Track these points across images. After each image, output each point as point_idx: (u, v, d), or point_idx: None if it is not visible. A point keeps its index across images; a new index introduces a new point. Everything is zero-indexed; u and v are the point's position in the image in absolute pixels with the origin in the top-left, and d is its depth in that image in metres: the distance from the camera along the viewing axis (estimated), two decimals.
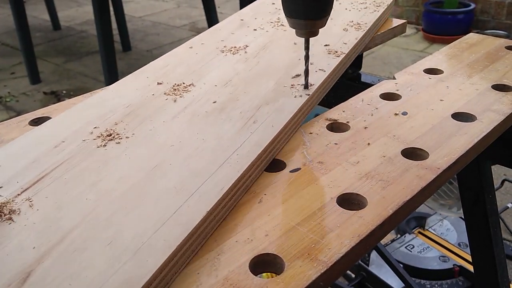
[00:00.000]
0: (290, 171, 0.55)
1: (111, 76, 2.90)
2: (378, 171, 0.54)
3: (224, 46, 0.81)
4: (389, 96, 0.71)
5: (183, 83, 0.68)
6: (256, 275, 0.41)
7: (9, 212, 0.44)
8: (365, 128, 0.63)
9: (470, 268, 1.55)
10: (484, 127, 0.62)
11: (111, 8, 3.21)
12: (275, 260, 0.43)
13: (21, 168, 0.50)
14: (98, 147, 0.54)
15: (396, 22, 0.96)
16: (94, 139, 0.55)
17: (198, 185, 0.47)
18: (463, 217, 1.32)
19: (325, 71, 0.71)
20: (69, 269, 0.38)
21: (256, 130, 0.57)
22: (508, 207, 1.91)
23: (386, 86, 0.74)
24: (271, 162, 0.57)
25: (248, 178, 0.51)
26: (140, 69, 0.74)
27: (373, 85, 0.75)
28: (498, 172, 2.12)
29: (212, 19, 3.41)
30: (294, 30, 0.64)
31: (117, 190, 0.47)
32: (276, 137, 0.56)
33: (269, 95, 0.65)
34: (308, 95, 0.65)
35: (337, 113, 0.67)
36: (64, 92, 3.24)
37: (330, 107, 0.70)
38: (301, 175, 0.54)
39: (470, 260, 1.47)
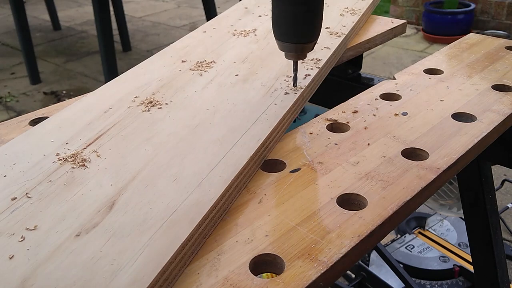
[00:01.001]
0: (290, 172, 0.55)
1: (111, 76, 2.90)
2: (378, 171, 0.54)
3: (235, 30, 0.88)
4: (389, 97, 0.71)
5: (205, 61, 0.76)
6: (256, 275, 0.41)
7: (81, 160, 0.52)
8: (365, 128, 0.63)
9: (470, 268, 1.55)
10: (484, 128, 0.62)
11: (111, 8, 3.22)
12: (275, 260, 0.43)
13: (79, 129, 0.58)
14: (143, 111, 0.62)
15: (396, 22, 0.96)
16: (138, 105, 0.63)
17: (238, 138, 0.56)
18: (463, 217, 1.32)
19: (329, 48, 0.78)
20: (146, 198, 0.46)
21: (278, 96, 0.65)
22: (508, 207, 1.91)
23: (386, 87, 0.74)
24: (271, 163, 0.57)
25: (277, 133, 0.60)
26: (161, 51, 0.81)
27: (373, 85, 0.75)
28: (498, 172, 2.12)
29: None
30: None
31: (169, 142, 0.55)
32: (297, 101, 0.65)
33: (284, 69, 0.72)
34: (318, 68, 0.72)
35: (337, 113, 0.67)
36: (64, 92, 3.24)
37: (330, 108, 0.70)
38: (301, 175, 0.54)
39: (470, 260, 1.47)
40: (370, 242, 0.46)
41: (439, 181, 0.54)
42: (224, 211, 0.48)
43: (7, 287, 0.37)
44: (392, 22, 0.96)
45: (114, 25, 3.22)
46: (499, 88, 0.72)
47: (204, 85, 0.68)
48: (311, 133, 0.63)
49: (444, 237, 1.73)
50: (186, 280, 0.41)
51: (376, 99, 0.71)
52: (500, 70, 0.78)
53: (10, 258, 0.39)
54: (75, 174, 0.50)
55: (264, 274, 0.43)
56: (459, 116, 0.65)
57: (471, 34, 0.95)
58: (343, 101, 0.71)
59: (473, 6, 3.82)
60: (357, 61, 0.91)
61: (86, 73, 3.54)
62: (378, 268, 1.58)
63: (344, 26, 0.86)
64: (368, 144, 0.60)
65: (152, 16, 4.88)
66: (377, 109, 0.68)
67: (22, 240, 0.41)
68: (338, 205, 0.49)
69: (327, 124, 0.65)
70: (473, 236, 0.95)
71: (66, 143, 0.55)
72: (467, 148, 0.58)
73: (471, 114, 0.65)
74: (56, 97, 3.17)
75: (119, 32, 3.84)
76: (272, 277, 0.41)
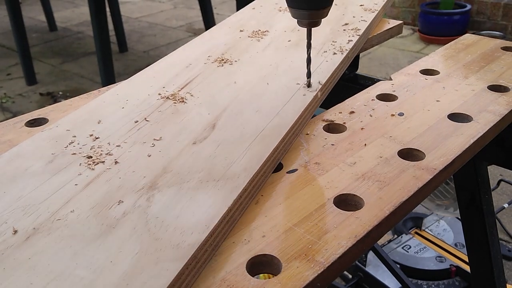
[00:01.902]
0: (287, 172, 0.55)
1: (108, 77, 2.90)
2: (374, 171, 0.54)
3: (280, 7, 0.99)
4: (385, 97, 0.72)
5: (260, 30, 0.88)
6: (253, 276, 0.41)
7: (180, 98, 0.65)
8: (362, 129, 0.63)
9: (467, 268, 1.55)
10: (480, 128, 0.62)
11: (108, 9, 3.21)
12: (272, 261, 0.43)
13: (170, 78, 0.71)
14: (218, 66, 0.75)
15: (393, 23, 0.97)
16: (212, 62, 0.76)
17: (301, 85, 0.68)
18: (459, 217, 1.33)
19: (366, 21, 0.89)
20: (238, 122, 0.59)
21: (328, 56, 0.77)
22: (504, 208, 1.92)
23: (382, 87, 0.75)
24: None
25: (330, 83, 0.72)
26: (219, 23, 0.93)
27: (369, 86, 0.76)
28: (494, 172, 2.13)
29: (208, 20, 3.41)
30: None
31: (246, 87, 0.68)
32: (343, 60, 0.77)
33: (328, 36, 0.84)
34: (359, 35, 0.83)
35: (334, 114, 0.67)
36: (60, 93, 3.24)
37: (327, 108, 0.70)
38: (298, 176, 0.54)
39: (467, 260, 1.47)
40: (367, 242, 0.46)
41: (435, 182, 0.54)
42: (295, 135, 0.61)
43: (153, 173, 0.50)
44: (389, 23, 0.96)
45: (110, 26, 3.22)
46: (495, 88, 0.72)
47: (263, 48, 0.81)
48: (307, 134, 0.63)
49: (441, 237, 1.73)
50: None
51: (372, 99, 0.71)
52: (496, 71, 0.78)
53: (149, 156, 0.53)
54: (177, 107, 0.63)
55: (261, 275, 0.43)
56: (455, 117, 0.65)
57: (467, 34, 0.95)
58: (340, 102, 0.71)
59: (469, 7, 3.83)
60: (353, 61, 0.92)
61: (82, 74, 3.54)
62: (375, 268, 1.58)
63: (376, 4, 0.97)
64: (365, 144, 0.60)
65: (148, 17, 4.88)
66: (373, 109, 0.68)
67: (153, 146, 0.55)
68: (335, 206, 0.49)
69: (323, 124, 0.65)
70: (469, 236, 0.95)
71: (163, 87, 0.68)
72: (463, 148, 0.58)
73: (467, 115, 0.65)
74: (52, 98, 3.17)
75: (116, 33, 3.84)
76: (269, 278, 0.41)
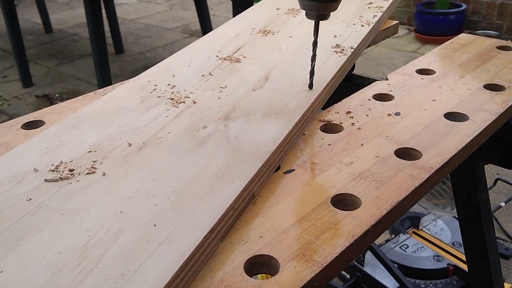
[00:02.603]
0: (284, 172, 0.55)
1: (104, 79, 2.89)
2: (371, 171, 0.54)
3: None
4: (382, 97, 0.72)
5: (294, 8, 0.99)
6: (251, 277, 0.41)
7: (235, 59, 0.78)
8: (359, 128, 0.63)
9: (464, 267, 1.56)
10: (477, 127, 0.62)
11: (104, 11, 3.21)
12: (270, 261, 0.43)
13: (223, 45, 0.83)
14: (262, 36, 0.86)
15: (388, 23, 0.97)
16: (257, 33, 0.87)
17: (334, 50, 0.80)
18: (456, 216, 1.33)
19: (388, 0, 0.98)
20: (287, 75, 0.72)
21: (356, 27, 0.88)
22: (501, 206, 1.92)
23: (379, 87, 0.75)
24: None
25: (360, 48, 0.84)
26: (257, 3, 1.05)
27: (366, 86, 0.76)
28: (491, 171, 2.13)
29: (205, 21, 3.41)
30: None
31: (289, 51, 0.80)
32: (370, 32, 0.87)
33: (355, 12, 0.94)
34: (382, 12, 0.93)
35: (331, 114, 0.68)
36: (56, 95, 3.23)
37: (324, 108, 0.70)
38: (295, 176, 0.55)
39: (464, 259, 1.48)
40: (365, 242, 0.46)
41: (432, 181, 0.54)
42: (333, 87, 0.73)
43: (225, 109, 0.63)
44: (384, 23, 0.96)
45: (106, 27, 3.21)
46: (491, 87, 0.73)
47: (299, 22, 0.92)
48: (304, 134, 0.63)
49: (438, 236, 1.73)
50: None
51: (369, 99, 0.71)
52: (491, 70, 0.79)
53: (219, 99, 0.66)
54: (234, 65, 0.76)
55: (259, 275, 0.43)
56: (451, 116, 0.65)
57: (462, 34, 0.95)
58: (336, 102, 0.71)
59: (464, 6, 3.84)
60: None
61: (78, 76, 3.53)
62: (373, 268, 1.58)
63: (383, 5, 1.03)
64: (362, 144, 0.60)
65: (144, 18, 4.87)
66: (370, 109, 0.68)
67: (220, 92, 0.68)
68: (332, 206, 0.49)
69: (320, 125, 0.65)
70: (466, 235, 0.95)
71: (219, 51, 0.81)
72: (460, 147, 0.58)
73: (464, 114, 0.65)
74: (49, 100, 3.16)
75: (112, 35, 3.83)
76: (267, 278, 0.41)
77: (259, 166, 0.51)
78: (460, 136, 0.60)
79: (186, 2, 5.22)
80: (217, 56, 0.79)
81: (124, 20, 4.72)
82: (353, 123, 0.65)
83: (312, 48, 0.66)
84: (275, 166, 0.55)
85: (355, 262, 1.59)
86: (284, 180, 0.54)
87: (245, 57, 0.78)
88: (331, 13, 0.63)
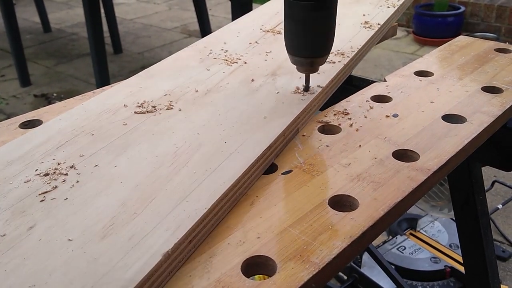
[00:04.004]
0: (282, 173, 0.55)
1: (102, 78, 2.89)
2: (369, 172, 0.54)
3: None
4: (380, 99, 0.72)
5: None
6: (248, 277, 0.41)
7: (277, 31, 0.90)
8: (357, 130, 0.63)
9: (461, 269, 1.56)
10: (474, 129, 0.62)
11: (102, 10, 3.20)
12: (267, 262, 0.43)
13: (264, 21, 0.95)
14: (274, 35, 0.91)
15: None
16: (268, 31, 0.92)
17: (362, 25, 0.90)
18: (454, 218, 1.33)
19: (389, 6, 1.00)
20: None
21: (383, 8, 0.97)
22: (498, 208, 1.92)
23: (377, 89, 0.75)
24: None
25: (385, 26, 0.93)
26: None
27: (364, 87, 0.76)
28: (488, 173, 2.13)
29: (203, 21, 3.41)
30: None
31: None
32: (395, 12, 0.96)
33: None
34: (398, 5, 0.99)
35: (329, 115, 0.68)
36: (54, 94, 3.22)
37: (322, 110, 0.70)
38: (293, 177, 0.55)
39: (461, 261, 1.47)
40: (362, 243, 0.46)
41: (430, 182, 0.54)
42: (359, 59, 0.83)
43: (272, 68, 0.76)
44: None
45: (105, 27, 3.21)
46: (489, 90, 0.73)
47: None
48: (303, 135, 0.63)
49: (435, 238, 1.73)
50: (178, 283, 0.41)
51: (367, 101, 0.71)
52: (489, 72, 0.79)
53: (265, 60, 0.79)
54: (276, 36, 0.88)
55: (256, 276, 0.43)
56: (449, 118, 0.65)
57: (461, 36, 0.95)
58: (335, 103, 0.71)
59: (462, 9, 3.85)
60: None
61: (77, 76, 3.52)
62: (370, 269, 1.58)
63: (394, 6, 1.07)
64: (360, 145, 0.60)
65: (143, 18, 4.87)
66: (368, 111, 0.68)
67: (266, 55, 0.81)
68: (330, 207, 0.49)
69: (318, 126, 0.65)
70: (464, 237, 0.95)
71: (262, 25, 0.93)
72: (458, 149, 0.58)
73: (461, 116, 0.65)
74: (47, 99, 3.15)
75: (110, 35, 3.83)
76: (264, 279, 0.41)
77: (303, 107, 0.64)
78: (458, 138, 0.60)
79: (185, 3, 5.22)
80: (260, 29, 0.92)
81: (123, 20, 4.71)
82: (351, 125, 0.65)
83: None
84: (316, 110, 0.68)
85: (352, 264, 1.59)
86: (282, 181, 0.54)
87: (279, 33, 0.90)
88: None
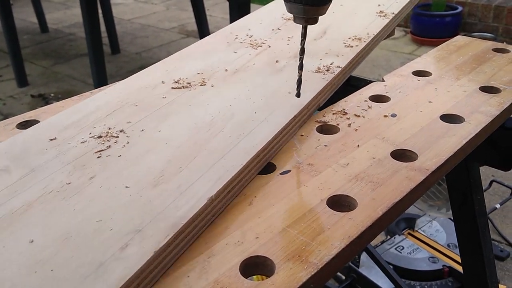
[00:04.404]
0: (280, 173, 0.55)
1: (100, 79, 2.89)
2: (367, 172, 0.54)
3: None
4: (378, 98, 0.72)
5: None
6: (246, 278, 0.41)
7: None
8: (355, 130, 0.63)
9: (460, 268, 1.56)
10: (472, 129, 0.62)
11: (100, 11, 3.20)
12: (266, 263, 0.43)
13: (286, 11, 0.86)
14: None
15: None
16: (289, 19, 0.96)
17: (377, 13, 0.97)
18: (452, 218, 1.33)
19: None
20: (340, 30, 0.90)
21: (388, 12, 0.98)
22: (496, 208, 1.93)
23: (375, 88, 0.75)
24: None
25: (399, 16, 0.99)
26: None
27: (362, 87, 0.76)
28: (486, 173, 2.14)
29: (201, 21, 3.41)
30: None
31: (340, 14, 0.97)
32: (405, 6, 1.01)
33: None
34: (393, 14, 0.98)
35: (327, 115, 0.68)
36: (52, 95, 3.22)
37: (320, 110, 0.70)
38: (291, 177, 0.54)
39: (459, 260, 1.48)
40: (360, 243, 0.46)
41: (428, 182, 0.54)
42: (377, 43, 0.91)
43: (294, 51, 0.82)
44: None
45: (102, 27, 3.20)
46: (487, 89, 0.73)
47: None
48: (301, 135, 0.63)
49: (434, 238, 1.74)
50: (176, 283, 0.41)
51: (365, 100, 0.71)
52: (487, 72, 0.79)
53: (288, 45, 0.86)
54: (296, 24, 0.82)
55: (254, 277, 0.43)
56: (447, 118, 0.65)
57: (458, 36, 0.95)
58: (333, 103, 0.71)
59: (460, 9, 3.85)
60: None
61: (74, 76, 3.52)
62: (368, 269, 1.59)
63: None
64: (358, 145, 0.60)
65: (141, 18, 4.87)
66: (366, 110, 0.68)
67: (289, 40, 0.87)
68: (328, 207, 0.49)
69: (317, 126, 0.65)
70: (462, 236, 0.95)
71: (283, 14, 0.98)
72: (456, 149, 0.58)
73: (459, 116, 0.65)
74: (44, 100, 3.15)
75: (108, 35, 3.82)
76: (263, 280, 0.41)
77: (325, 84, 0.71)
78: (456, 138, 0.60)
79: (183, 3, 5.22)
80: (282, 17, 0.97)
81: (121, 20, 4.71)
82: (350, 124, 0.65)
83: (299, 56, 0.65)
84: (336, 87, 0.75)
85: (350, 264, 1.59)
86: (280, 181, 0.54)
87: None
88: None
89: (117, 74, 3.41)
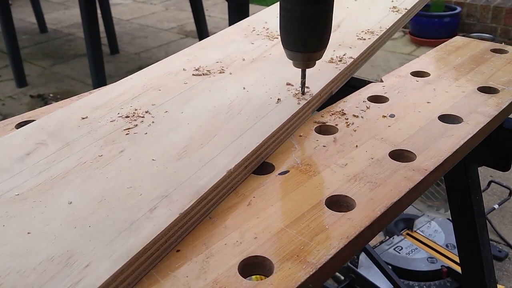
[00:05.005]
0: (279, 174, 0.55)
1: (99, 79, 2.88)
2: (366, 173, 0.54)
3: None
4: (377, 99, 0.72)
5: None
6: (245, 278, 0.41)
7: None
8: (354, 130, 0.63)
9: (458, 269, 1.56)
10: (471, 129, 0.62)
11: (99, 11, 3.20)
12: (264, 263, 0.43)
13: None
14: None
15: None
16: None
17: (389, 7, 1.02)
18: (450, 218, 1.33)
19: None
20: (354, 23, 0.95)
21: (401, 7, 1.02)
22: (494, 209, 1.93)
23: (374, 89, 0.75)
24: (260, 165, 0.57)
25: (410, 13, 1.02)
26: None
27: (361, 87, 0.76)
28: (485, 173, 2.14)
29: (200, 22, 3.41)
30: None
31: (354, 10, 1.02)
32: (418, 3, 1.05)
33: None
34: (406, 9, 1.01)
35: (326, 115, 0.68)
36: (51, 95, 3.22)
37: (319, 110, 0.70)
38: (289, 177, 0.55)
39: (458, 261, 1.48)
40: (359, 243, 0.46)
41: (426, 182, 0.54)
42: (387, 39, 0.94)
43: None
44: None
45: (101, 27, 3.20)
46: (485, 90, 0.73)
47: None
48: (300, 136, 0.63)
49: (432, 238, 1.74)
50: (175, 284, 0.41)
51: (364, 101, 0.71)
52: (485, 73, 0.79)
53: None
54: None
55: (253, 277, 0.43)
56: (445, 118, 0.65)
57: (457, 37, 0.95)
58: (331, 104, 0.71)
59: (459, 9, 3.86)
60: None
61: (73, 76, 3.52)
62: (367, 269, 1.59)
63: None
64: (356, 146, 0.60)
65: (140, 18, 4.86)
66: (365, 111, 0.68)
67: None
68: (327, 207, 0.49)
69: (315, 126, 0.65)
70: (460, 237, 0.95)
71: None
72: (454, 149, 0.58)
73: (458, 116, 0.66)
74: (43, 100, 3.14)
75: (107, 35, 3.82)
76: (261, 280, 0.41)
77: (337, 73, 0.75)
78: (454, 138, 0.60)
79: (182, 3, 5.22)
80: None
81: (120, 21, 4.71)
82: (348, 125, 0.65)
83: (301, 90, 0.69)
84: (348, 77, 0.79)
85: (349, 264, 1.59)
86: (279, 181, 0.54)
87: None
88: None
89: (116, 74, 3.41)
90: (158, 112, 0.65)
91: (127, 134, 0.61)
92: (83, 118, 0.64)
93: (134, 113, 0.65)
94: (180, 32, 4.43)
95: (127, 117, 0.64)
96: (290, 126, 0.64)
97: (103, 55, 2.95)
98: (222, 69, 0.77)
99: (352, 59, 0.79)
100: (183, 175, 0.52)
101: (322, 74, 0.74)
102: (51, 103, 0.73)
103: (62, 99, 0.74)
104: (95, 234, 0.44)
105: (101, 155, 0.56)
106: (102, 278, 0.39)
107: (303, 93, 0.68)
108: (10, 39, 3.24)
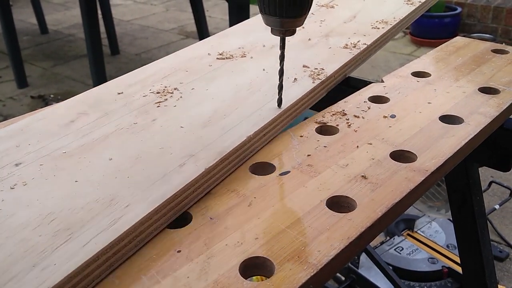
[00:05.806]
0: (280, 174, 0.55)
1: (99, 80, 2.88)
2: (367, 173, 0.54)
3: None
4: (377, 99, 0.72)
5: None
6: (246, 279, 0.41)
7: (330, 6, 1.05)
8: (354, 131, 0.63)
9: (459, 269, 1.56)
10: (471, 130, 0.62)
11: (99, 12, 3.20)
12: (265, 263, 0.43)
13: None
14: (327, 8, 1.07)
15: None
16: (322, 5, 1.07)
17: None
18: (451, 218, 1.33)
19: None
20: (370, 15, 1.00)
21: (415, 0, 1.07)
22: (495, 209, 1.93)
23: (374, 89, 0.75)
24: (261, 166, 0.57)
25: (424, 7, 1.08)
26: None
27: (362, 88, 0.76)
28: (486, 174, 2.14)
29: (201, 22, 3.41)
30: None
31: (370, 1, 1.08)
32: (420, 7, 1.07)
33: None
34: (420, 2, 1.05)
35: (326, 116, 0.68)
36: (51, 96, 3.22)
37: (319, 110, 0.70)
38: (290, 178, 0.55)
39: (459, 261, 1.48)
40: (360, 244, 0.46)
41: (427, 183, 0.54)
42: (399, 31, 0.98)
43: (324, 31, 0.93)
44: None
45: (102, 28, 3.20)
46: (486, 90, 0.73)
47: None
48: (301, 136, 0.63)
49: (433, 238, 1.74)
50: (176, 284, 0.41)
51: (364, 101, 0.71)
52: (486, 73, 0.79)
53: (320, 26, 0.96)
54: (329, 10, 1.04)
55: (254, 277, 0.43)
56: (446, 119, 0.65)
57: (457, 37, 0.95)
58: (332, 104, 0.71)
59: (459, 9, 3.86)
60: None
61: (74, 77, 3.52)
62: (368, 270, 1.59)
63: None
64: (357, 146, 0.60)
65: (140, 19, 4.87)
66: (365, 111, 0.68)
67: (321, 23, 0.97)
68: (328, 208, 0.49)
69: (316, 126, 0.65)
70: (461, 237, 0.95)
71: (318, 1, 1.09)
72: (455, 150, 0.58)
73: (459, 117, 0.66)
74: (44, 101, 3.15)
75: (107, 36, 3.82)
76: (262, 280, 0.41)
77: (351, 57, 0.81)
78: (455, 139, 0.60)
79: (182, 4, 5.22)
80: (316, 4, 1.07)
81: (120, 21, 4.71)
82: (349, 125, 0.65)
83: (279, 62, 0.64)
84: (362, 62, 0.85)
85: (350, 264, 1.59)
86: (280, 182, 0.54)
87: (337, 5, 1.07)
88: None
89: (116, 75, 3.38)
90: (186, 89, 0.73)
91: (158, 106, 0.68)
92: (119, 93, 0.72)
93: (164, 89, 0.73)
94: (180, 33, 4.43)
95: (158, 92, 0.72)
96: (306, 102, 0.71)
97: (103, 56, 2.95)
98: (244, 54, 0.84)
99: (366, 45, 0.85)
100: (208, 139, 0.59)
101: (336, 58, 0.81)
102: (52, 104, 0.73)
103: (62, 100, 0.74)
104: (133, 183, 0.52)
105: (136, 123, 0.64)
106: (140, 215, 0.47)
107: (281, 67, 0.65)
108: (10, 40, 3.24)
